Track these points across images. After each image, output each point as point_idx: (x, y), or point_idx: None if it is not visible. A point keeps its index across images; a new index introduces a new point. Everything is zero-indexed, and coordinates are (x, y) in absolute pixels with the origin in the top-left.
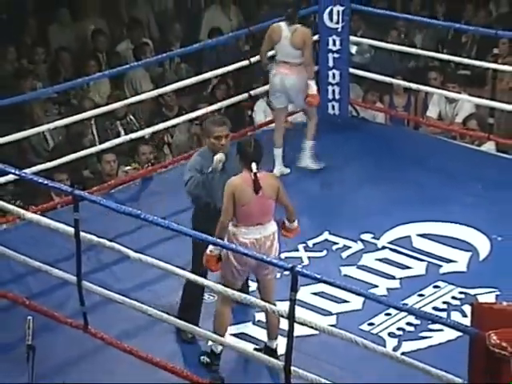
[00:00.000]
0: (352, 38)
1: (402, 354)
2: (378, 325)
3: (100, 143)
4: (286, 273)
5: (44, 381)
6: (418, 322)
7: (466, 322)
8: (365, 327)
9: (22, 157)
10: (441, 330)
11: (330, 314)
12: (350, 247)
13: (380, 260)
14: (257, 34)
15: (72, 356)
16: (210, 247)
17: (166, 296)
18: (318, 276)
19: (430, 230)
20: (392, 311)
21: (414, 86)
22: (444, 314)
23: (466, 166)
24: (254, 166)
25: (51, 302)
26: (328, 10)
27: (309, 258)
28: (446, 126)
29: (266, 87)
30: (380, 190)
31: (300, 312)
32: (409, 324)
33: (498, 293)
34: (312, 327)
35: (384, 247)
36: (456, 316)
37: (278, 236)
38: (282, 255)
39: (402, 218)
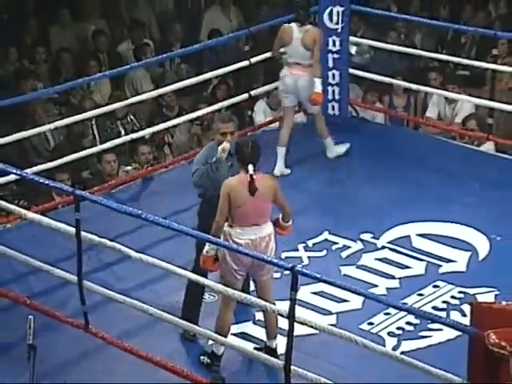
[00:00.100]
0: (352, 38)
1: (402, 353)
2: (378, 324)
3: (101, 143)
4: (286, 272)
5: (45, 380)
6: (417, 321)
7: (466, 321)
8: (364, 326)
9: (23, 157)
10: (440, 330)
11: (330, 313)
12: (349, 247)
13: (380, 260)
14: (257, 35)
15: (73, 355)
16: (206, 248)
17: (167, 295)
18: (318, 275)
19: (430, 229)
20: (391, 311)
21: (413, 86)
22: (443, 314)
23: (466, 166)
24: (250, 167)
25: (52, 302)
26: (328, 11)
27: (309, 257)
28: (446, 126)
29: (266, 87)
30: (379, 190)
31: (300, 311)
32: (408, 323)
33: (497, 292)
34: (312, 326)
35: (384, 247)
36: (455, 315)
37: (276, 236)
38: (282, 255)
39: (402, 218)
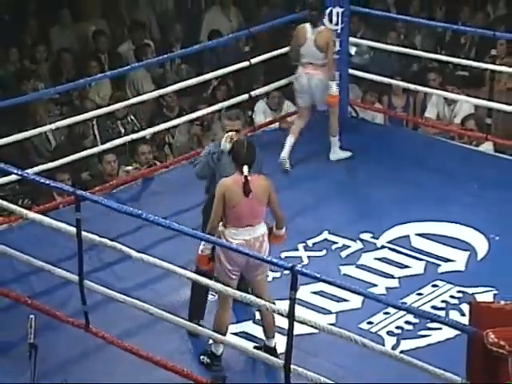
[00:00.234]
0: (351, 39)
1: (401, 352)
2: (377, 323)
3: (101, 143)
4: (286, 272)
5: (46, 379)
6: (416, 320)
7: (464, 320)
8: (364, 326)
9: (24, 157)
10: (439, 329)
11: (330, 312)
12: (349, 246)
13: (379, 259)
14: (257, 35)
15: (73, 355)
16: (201, 247)
17: (167, 295)
18: (318, 275)
19: (429, 229)
20: (391, 310)
21: (412, 86)
22: (442, 313)
23: (465, 166)
24: (245, 168)
25: (53, 301)
26: (328, 12)
27: (308, 257)
28: (445, 126)
29: (266, 88)
30: (379, 190)
31: (300, 311)
32: (407, 323)
33: (496, 292)
34: (312, 326)
35: (383, 246)
36: (454, 315)
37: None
38: (282, 254)
39: (401, 218)
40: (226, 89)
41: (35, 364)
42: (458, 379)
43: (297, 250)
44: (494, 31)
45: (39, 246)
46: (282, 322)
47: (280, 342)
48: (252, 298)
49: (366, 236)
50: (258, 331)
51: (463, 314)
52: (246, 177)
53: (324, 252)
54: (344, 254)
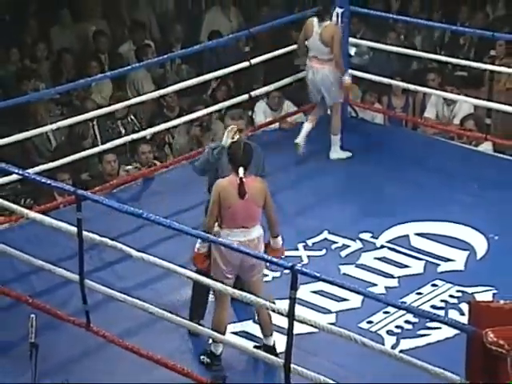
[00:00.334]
0: (351, 39)
1: (401, 351)
2: (377, 323)
3: (102, 143)
4: (286, 271)
5: (47, 378)
6: (416, 320)
7: (464, 320)
8: (364, 325)
9: (25, 157)
10: (439, 328)
11: (330, 312)
12: (349, 246)
13: (379, 259)
14: (257, 36)
15: (74, 354)
16: (197, 245)
17: (168, 294)
18: (318, 274)
19: (428, 229)
20: (390, 309)
21: (411, 87)
22: (442, 312)
23: (464, 166)
24: (241, 170)
25: (54, 301)
26: None
27: (308, 256)
28: (444, 126)
29: (266, 88)
30: (379, 190)
31: (300, 310)
32: (407, 322)
33: (495, 291)
34: (312, 325)
35: (382, 246)
36: (454, 314)
37: (264, 240)
38: None
39: (401, 218)
40: (226, 89)
41: (36, 363)
42: (457, 378)
43: (297, 249)
44: (493, 32)
45: (40, 246)
46: (281, 322)
47: (280, 342)
48: (252, 297)
49: (366, 236)
50: (258, 331)
51: (462, 314)
52: (241, 179)
53: (324, 251)
54: (344, 253)
